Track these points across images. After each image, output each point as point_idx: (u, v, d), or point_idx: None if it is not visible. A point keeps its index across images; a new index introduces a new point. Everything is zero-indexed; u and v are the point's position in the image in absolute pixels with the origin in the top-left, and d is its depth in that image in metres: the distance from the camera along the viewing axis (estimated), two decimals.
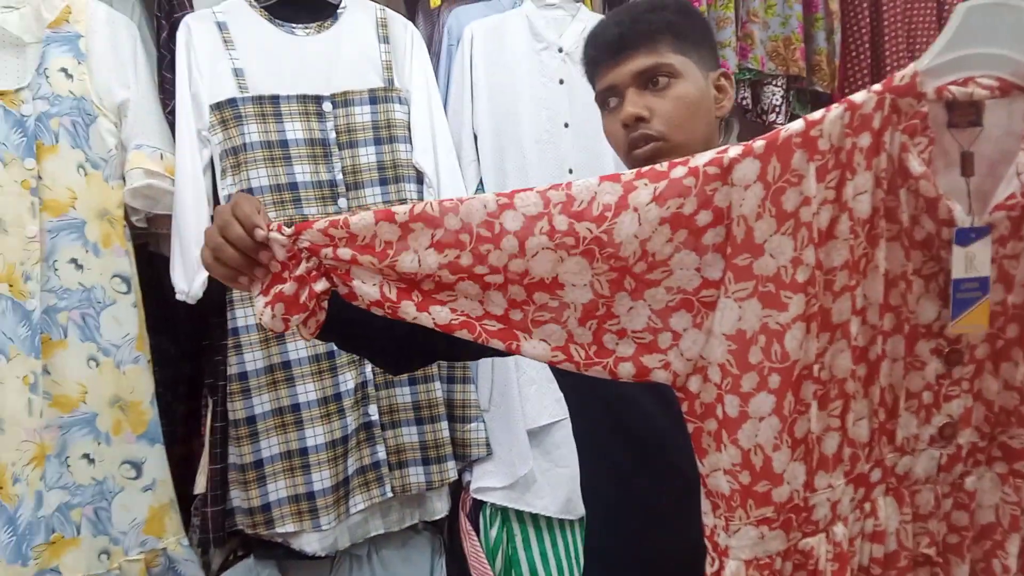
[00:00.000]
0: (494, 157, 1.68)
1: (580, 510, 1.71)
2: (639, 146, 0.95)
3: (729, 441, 0.77)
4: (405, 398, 1.59)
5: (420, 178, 1.61)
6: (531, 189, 0.75)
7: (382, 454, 1.56)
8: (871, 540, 0.83)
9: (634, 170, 0.75)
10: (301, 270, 0.78)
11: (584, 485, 1.09)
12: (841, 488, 0.80)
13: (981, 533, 0.86)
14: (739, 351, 0.75)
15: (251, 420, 1.45)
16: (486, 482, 1.65)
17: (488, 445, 1.65)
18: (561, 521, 1.72)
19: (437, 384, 1.60)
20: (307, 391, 1.47)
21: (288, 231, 0.77)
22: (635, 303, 0.76)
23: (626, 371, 0.78)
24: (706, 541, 0.81)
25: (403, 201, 1.59)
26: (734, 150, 0.74)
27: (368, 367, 1.54)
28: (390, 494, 1.56)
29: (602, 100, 1.00)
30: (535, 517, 1.69)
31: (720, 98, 0.99)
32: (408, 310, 0.77)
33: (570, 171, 1.73)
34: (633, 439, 0.99)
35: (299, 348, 1.47)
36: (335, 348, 1.48)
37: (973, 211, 0.80)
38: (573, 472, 1.69)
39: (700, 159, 0.75)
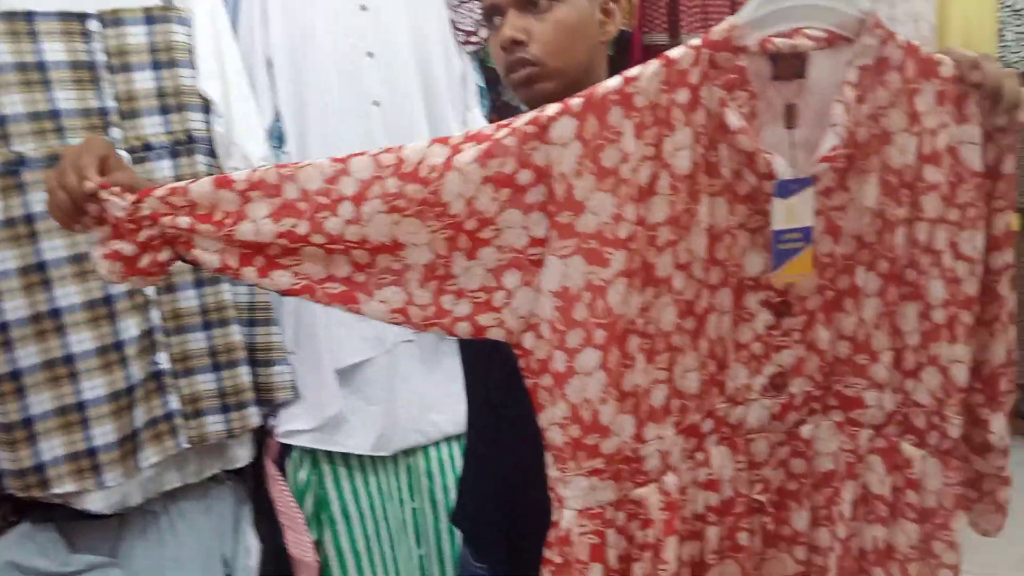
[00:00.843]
0: (291, 87, 1.58)
1: (393, 446, 1.71)
2: (516, 70, 0.92)
3: (560, 395, 0.78)
4: (200, 344, 1.50)
5: (207, 107, 1.49)
6: (365, 153, 0.76)
7: (175, 404, 1.46)
8: (705, 488, 0.84)
9: (464, 133, 0.76)
10: (143, 237, 0.76)
11: (467, 394, 1.09)
12: (671, 439, 0.82)
13: (820, 480, 0.89)
14: (565, 308, 0.76)
15: (15, 375, 1.31)
16: (293, 425, 1.60)
17: (295, 388, 1.60)
18: (373, 459, 1.71)
19: (235, 327, 1.52)
20: (81, 340, 1.34)
21: (130, 197, 0.76)
22: (470, 263, 0.77)
23: (463, 330, 0.79)
24: (550, 492, 0.82)
25: (188, 133, 1.47)
26: (552, 108, 0.74)
27: (155, 313, 1.43)
28: (186, 445, 1.48)
29: (487, 18, 0.97)
30: (345, 457, 1.67)
31: (606, 22, 0.96)
32: (250, 276, 0.77)
33: (375, 104, 1.67)
34: (507, 374, 0.99)
35: (70, 294, 1.34)
36: (112, 293, 1.36)
37: (799, 163, 0.81)
38: (385, 409, 1.69)
39: (520, 119, 0.75)
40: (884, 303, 0.85)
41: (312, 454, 1.65)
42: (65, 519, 1.41)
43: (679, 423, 0.82)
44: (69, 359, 1.34)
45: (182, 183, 0.77)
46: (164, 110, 1.46)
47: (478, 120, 1.79)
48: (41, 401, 1.33)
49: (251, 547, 1.60)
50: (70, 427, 1.35)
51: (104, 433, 1.37)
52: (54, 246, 1.32)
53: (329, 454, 1.66)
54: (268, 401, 1.58)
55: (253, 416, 1.54)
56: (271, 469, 1.62)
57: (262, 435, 1.64)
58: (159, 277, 0.80)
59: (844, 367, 0.88)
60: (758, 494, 0.87)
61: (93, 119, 1.38)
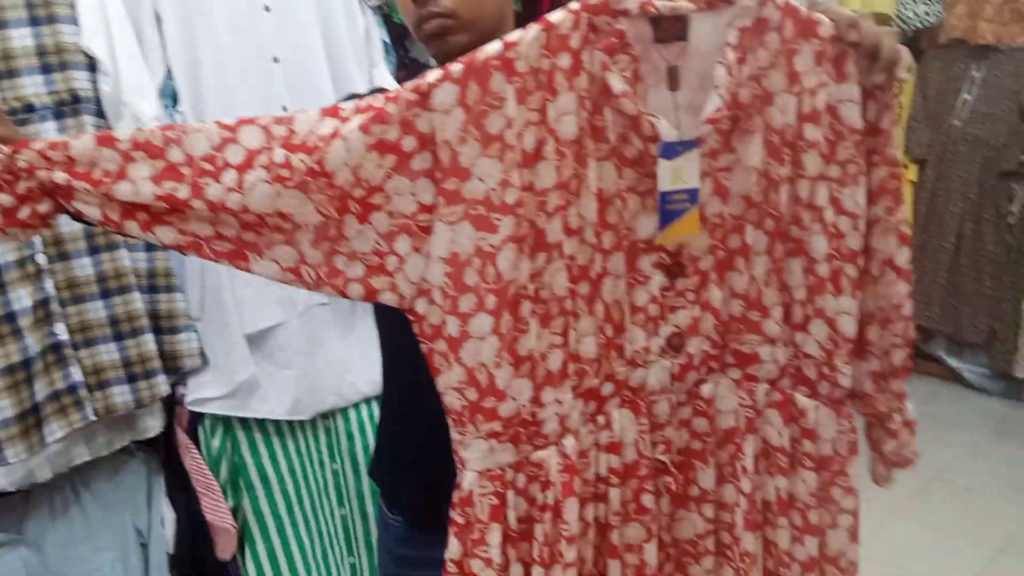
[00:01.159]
0: (183, 42, 1.51)
1: (311, 410, 1.70)
2: (427, 22, 0.90)
3: (455, 360, 0.78)
4: (99, 313, 1.45)
5: (93, 65, 1.42)
6: (256, 122, 0.75)
7: (77, 376, 1.42)
8: (607, 451, 0.86)
9: (354, 103, 0.76)
10: (21, 189, 0.75)
11: (382, 353, 1.09)
12: (569, 402, 0.83)
13: (724, 437, 0.91)
14: (455, 273, 0.77)
15: None
16: (203, 393, 1.58)
17: (203, 355, 1.57)
18: (291, 423, 1.71)
19: (136, 295, 1.47)
20: None
21: (5, 149, 0.75)
22: (362, 226, 0.77)
23: (356, 292, 0.79)
24: (453, 454, 0.83)
25: (73, 92, 1.40)
26: (432, 75, 0.74)
27: (48, 282, 1.38)
28: (92, 417, 1.44)
29: None
30: (261, 422, 1.66)
31: None
32: (132, 230, 0.76)
33: (275, 60, 1.61)
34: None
35: None
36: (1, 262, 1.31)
37: (684, 125, 0.81)
38: (300, 373, 1.67)
39: (404, 87, 0.74)
40: (772, 260, 0.87)
41: (225, 421, 1.63)
42: None
43: (577, 387, 0.83)
44: None
45: (64, 138, 0.76)
46: (46, 69, 1.38)
47: (384, 77, 1.76)
48: None
49: (165, 517, 1.59)
50: None
51: (1, 408, 1.32)
52: None
53: (243, 420, 1.64)
54: (176, 369, 1.55)
55: (161, 385, 1.51)
56: (182, 438, 1.60)
57: (172, 404, 1.61)
58: (40, 229, 0.79)
59: (738, 325, 0.89)
60: (661, 455, 0.88)
61: None
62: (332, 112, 0.76)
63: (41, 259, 1.37)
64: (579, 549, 0.84)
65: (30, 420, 1.36)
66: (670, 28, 0.80)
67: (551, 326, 0.81)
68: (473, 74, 0.74)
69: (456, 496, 0.81)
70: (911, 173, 3.32)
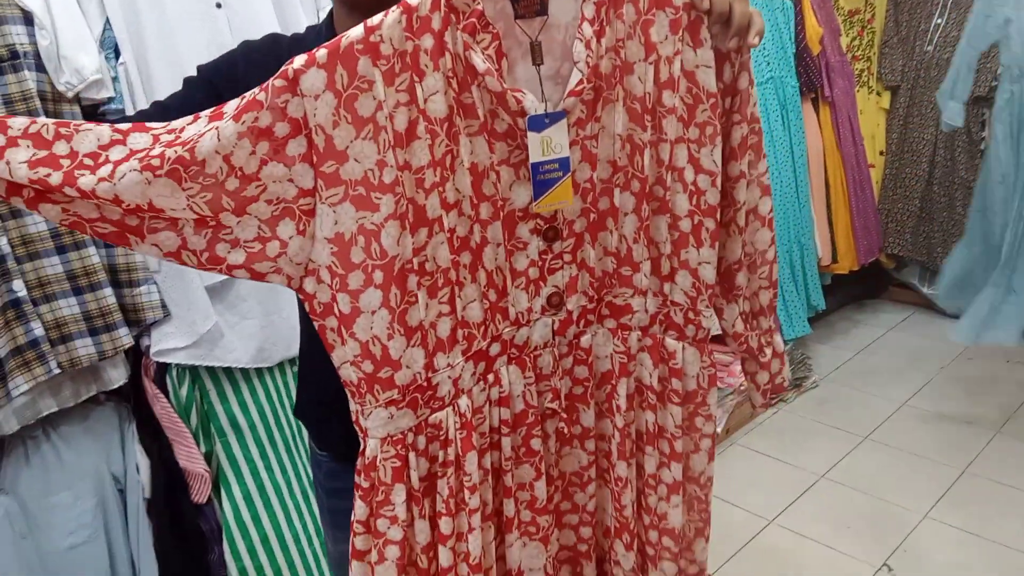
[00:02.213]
0: None
1: (274, 357, 1.74)
2: None
3: (348, 335, 0.81)
4: (56, 268, 1.47)
5: (29, 19, 1.40)
6: (147, 129, 0.75)
7: (39, 331, 1.45)
8: (498, 405, 0.91)
9: (237, 100, 0.76)
10: None
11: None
12: (461, 365, 0.86)
13: (601, 380, 0.97)
14: (341, 252, 0.78)
15: None
16: (167, 344, 1.61)
17: (164, 307, 1.60)
18: (257, 369, 1.74)
19: (92, 250, 1.49)
20: None
21: None
22: (241, 218, 0.77)
23: (241, 275, 0.80)
24: (355, 425, 0.86)
25: (11, 48, 1.39)
26: (298, 60, 0.74)
27: (2, 239, 1.39)
28: (57, 371, 1.47)
29: None
30: (227, 370, 1.70)
31: None
32: (19, 204, 0.75)
33: (218, 6, 1.60)
34: None
35: None
36: None
37: (551, 97, 0.84)
38: (262, 322, 1.71)
39: (274, 76, 0.75)
40: (639, 219, 0.92)
41: (192, 370, 1.66)
42: None
43: (467, 350, 0.87)
44: None
45: None
46: None
47: None
48: None
49: (140, 464, 1.64)
50: None
51: None
52: None
53: (210, 369, 1.68)
54: (138, 322, 1.58)
55: (123, 337, 1.54)
56: (151, 388, 1.64)
57: (139, 355, 1.64)
58: None
59: (612, 280, 0.95)
60: (549, 403, 0.94)
61: None
62: (217, 115, 0.76)
63: None
64: (480, 495, 0.89)
65: None
66: (530, 4, 0.83)
67: (438, 296, 0.84)
68: (339, 59, 0.75)
69: (360, 463, 0.85)
70: (884, 101, 3.30)
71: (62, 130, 0.75)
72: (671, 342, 0.96)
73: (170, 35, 1.53)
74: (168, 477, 1.65)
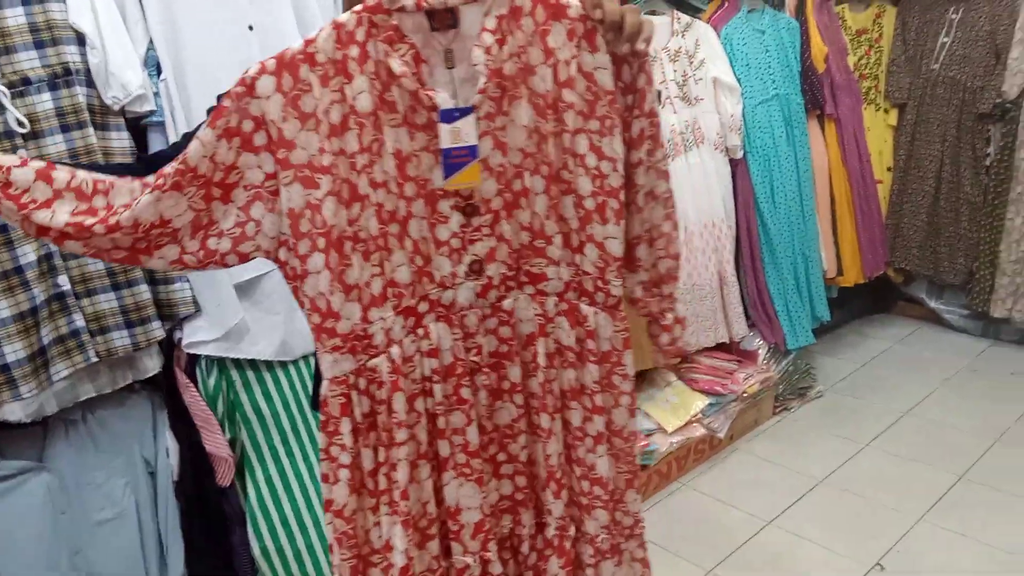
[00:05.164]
0: (163, 16, 1.64)
1: (296, 351, 1.86)
2: None
3: (302, 293, 0.99)
4: (98, 266, 1.61)
5: (82, 39, 1.55)
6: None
7: (80, 322, 1.59)
8: (428, 356, 1.06)
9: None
10: None
11: None
12: (392, 319, 1.02)
13: (527, 341, 1.11)
14: (294, 224, 0.96)
15: None
16: (197, 337, 1.74)
17: (195, 302, 1.73)
18: (281, 362, 1.87)
19: None
20: None
21: None
22: (227, 206, 0.97)
23: (233, 260, 0.99)
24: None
25: (65, 66, 1.54)
26: (252, 69, 0.93)
27: None
28: (95, 359, 1.61)
29: None
30: (252, 362, 1.82)
31: None
32: (46, 239, 0.94)
33: (250, 28, 1.74)
34: None
35: None
36: (4, 222, 1.46)
37: (463, 95, 1.00)
38: (285, 318, 1.83)
39: (235, 84, 0.93)
40: (549, 198, 1.06)
41: (220, 362, 1.79)
42: None
43: (397, 306, 1.03)
44: None
45: (7, 160, 0.92)
46: (39, 45, 1.52)
47: None
48: None
49: (170, 448, 1.76)
50: None
51: (15, 350, 1.49)
52: None
53: (236, 361, 1.81)
54: (171, 316, 1.72)
55: (156, 330, 1.67)
56: (182, 378, 1.77)
57: (172, 347, 1.78)
58: None
59: (528, 251, 1.08)
60: (474, 357, 1.08)
61: None
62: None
63: None
64: (415, 433, 1.05)
65: (39, 361, 1.53)
66: (443, 18, 0.99)
67: (370, 260, 1.00)
68: (284, 67, 0.93)
69: (319, 400, 1.03)
70: (891, 118, 3.38)
71: (100, 186, 0.95)
72: (584, 307, 1.09)
73: (206, 54, 1.67)
74: (195, 461, 1.78)
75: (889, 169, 3.44)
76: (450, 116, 0.97)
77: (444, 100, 0.97)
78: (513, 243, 1.07)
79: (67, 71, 1.54)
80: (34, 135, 1.52)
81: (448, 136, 0.98)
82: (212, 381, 1.78)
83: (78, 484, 1.65)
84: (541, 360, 1.09)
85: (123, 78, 1.58)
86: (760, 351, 2.88)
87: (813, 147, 2.99)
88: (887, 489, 2.45)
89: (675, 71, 2.59)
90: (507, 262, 1.07)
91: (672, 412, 2.58)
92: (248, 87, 0.92)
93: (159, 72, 1.65)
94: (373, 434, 1.03)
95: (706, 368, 2.76)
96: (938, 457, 2.60)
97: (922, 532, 2.26)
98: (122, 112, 1.63)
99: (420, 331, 1.05)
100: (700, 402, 2.61)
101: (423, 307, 1.05)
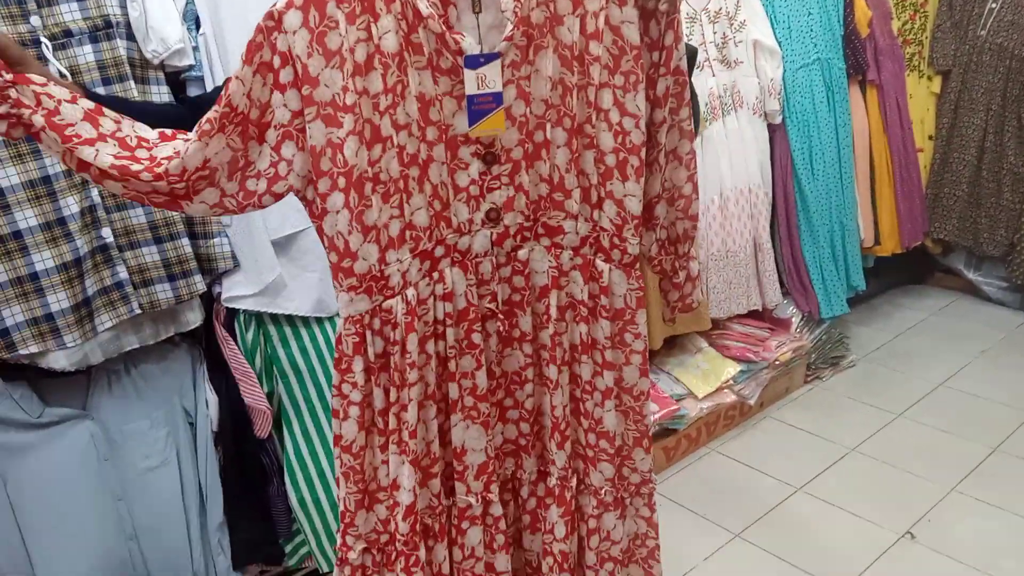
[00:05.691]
0: None
1: (332, 308, 1.88)
2: None
3: (321, 231, 1.00)
4: (140, 219, 1.63)
5: None
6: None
7: (123, 274, 1.61)
8: (442, 299, 1.06)
9: None
10: (0, 109, 0.93)
11: None
12: (408, 261, 1.03)
13: (540, 293, 1.11)
14: (315, 162, 0.96)
15: None
16: (236, 291, 1.76)
17: (234, 257, 1.75)
18: (317, 317, 1.89)
19: None
20: (27, 218, 1.47)
21: (7, 76, 0.91)
22: (261, 147, 0.97)
23: (268, 201, 1.01)
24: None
25: (106, 18, 1.54)
26: (280, 3, 0.92)
27: (94, 191, 1.56)
28: (138, 311, 1.64)
29: None
30: (289, 317, 1.84)
31: None
32: (85, 176, 0.95)
33: None
34: None
35: (10, 175, 1.46)
36: (50, 173, 1.49)
37: (489, 41, 0.99)
38: (322, 275, 1.84)
39: (263, 17, 0.94)
40: (570, 151, 1.05)
41: (258, 316, 1.81)
42: (36, 377, 1.59)
43: (414, 249, 1.04)
44: (17, 235, 1.48)
45: (60, 92, 0.93)
46: None
47: None
48: None
49: (209, 400, 1.80)
50: (27, 296, 1.50)
51: (59, 300, 1.52)
52: None
53: (274, 316, 1.83)
54: (211, 270, 1.74)
55: (198, 283, 1.70)
56: (221, 332, 1.80)
57: (210, 300, 1.80)
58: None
59: (546, 203, 1.08)
60: (488, 304, 1.09)
61: (12, 8, 1.46)
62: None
63: None
64: (424, 375, 1.07)
65: (83, 311, 1.56)
66: None
67: (390, 202, 1.00)
68: (312, 2, 0.92)
69: (335, 338, 1.04)
70: (934, 85, 3.29)
71: (145, 143, 0.96)
72: (600, 263, 1.09)
73: (245, 9, 1.67)
74: (234, 413, 1.81)
75: (931, 138, 3.36)
76: (476, 62, 0.96)
77: (470, 45, 0.96)
78: (531, 194, 1.07)
79: (108, 23, 1.55)
80: None
81: (473, 82, 0.97)
82: (250, 336, 1.80)
83: (122, 433, 1.70)
84: (553, 312, 1.10)
85: (162, 32, 1.59)
86: (793, 319, 2.85)
87: (854, 113, 2.92)
88: (919, 459, 2.44)
89: (714, 33, 2.54)
90: (524, 212, 1.07)
91: (703, 378, 2.57)
92: (276, 20, 0.92)
93: (198, 26, 1.65)
94: (384, 374, 1.05)
95: (738, 335, 2.74)
96: (972, 429, 2.58)
97: (954, 502, 2.24)
98: (162, 66, 1.64)
99: (435, 275, 1.05)
100: (731, 369, 2.60)
101: (439, 251, 1.05)
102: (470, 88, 0.97)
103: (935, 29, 3.25)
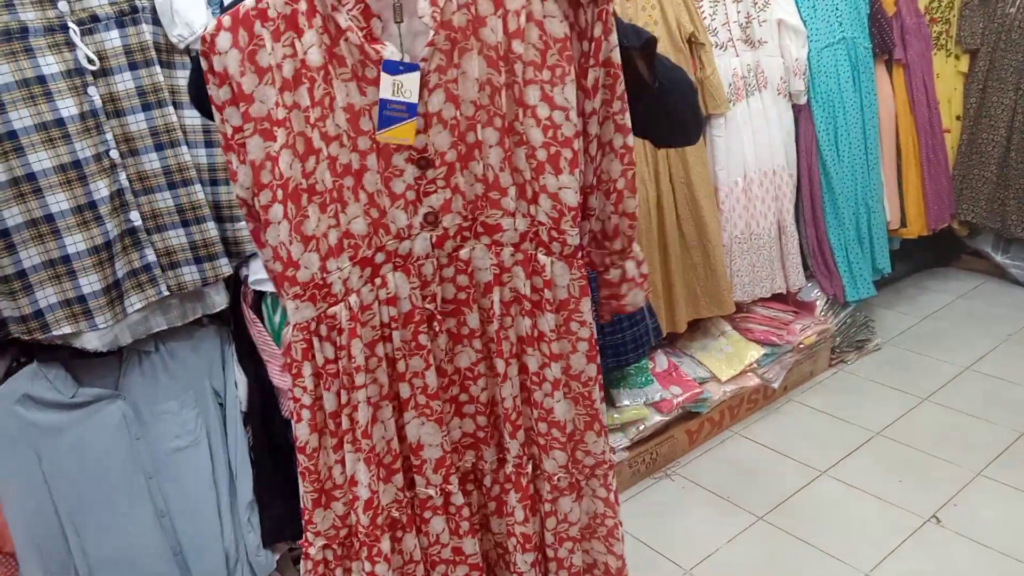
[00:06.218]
0: None
1: None
2: None
3: (264, 241, 1.02)
4: (167, 202, 1.65)
5: None
6: None
7: (151, 257, 1.64)
8: (387, 304, 1.08)
9: None
10: None
11: None
12: (348, 269, 1.05)
13: (485, 289, 1.13)
14: (256, 175, 0.98)
15: (4, 233, 1.48)
16: (263, 274, 1.78)
17: None
18: None
19: (198, 187, 1.66)
20: (58, 201, 1.50)
21: None
22: (229, 155, 1.00)
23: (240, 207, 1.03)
24: None
25: (132, 3, 1.56)
26: (210, 27, 0.94)
27: (122, 175, 1.58)
28: (166, 292, 1.66)
29: None
30: None
31: None
32: None
33: None
34: None
35: (41, 160, 1.48)
36: (80, 158, 1.51)
37: (411, 50, 1.00)
38: None
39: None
40: (503, 150, 1.05)
41: None
42: (70, 358, 1.62)
43: (353, 257, 1.05)
44: (49, 218, 1.50)
45: None
46: None
47: None
48: (31, 256, 1.51)
49: (238, 380, 1.83)
50: (60, 278, 1.53)
51: (90, 282, 1.55)
52: (21, 116, 1.45)
53: None
54: (238, 253, 1.76)
55: (224, 266, 1.72)
56: (248, 314, 1.82)
57: (237, 282, 1.83)
58: None
59: (482, 202, 1.09)
60: (429, 304, 1.10)
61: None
62: None
63: (114, 155, 1.56)
64: (376, 376, 1.09)
65: (113, 293, 1.59)
66: None
67: (327, 212, 1.02)
68: (239, 23, 0.94)
69: (283, 346, 1.07)
70: (962, 64, 3.24)
71: None
72: (542, 257, 1.10)
73: None
74: (262, 394, 1.84)
75: (958, 118, 3.31)
76: (394, 68, 0.97)
77: (392, 53, 0.98)
78: (468, 194, 1.08)
79: (133, 8, 1.56)
80: (103, 72, 1.55)
81: (388, 87, 0.97)
82: (277, 318, 1.82)
83: (153, 413, 1.73)
84: (496, 308, 1.11)
85: (187, 16, 1.60)
86: (818, 302, 2.83)
87: (880, 93, 2.89)
88: (945, 443, 2.42)
89: (738, 12, 2.52)
90: (462, 213, 1.08)
91: (726, 361, 2.57)
92: (210, 44, 0.95)
93: (223, 10, 1.66)
94: (336, 378, 1.07)
95: (762, 318, 2.73)
96: (998, 413, 2.55)
97: (980, 487, 2.22)
98: (187, 51, 1.65)
99: (378, 280, 1.07)
100: (755, 352, 2.59)
101: (380, 257, 1.07)
102: (384, 92, 0.98)
103: (963, 7, 3.19)
